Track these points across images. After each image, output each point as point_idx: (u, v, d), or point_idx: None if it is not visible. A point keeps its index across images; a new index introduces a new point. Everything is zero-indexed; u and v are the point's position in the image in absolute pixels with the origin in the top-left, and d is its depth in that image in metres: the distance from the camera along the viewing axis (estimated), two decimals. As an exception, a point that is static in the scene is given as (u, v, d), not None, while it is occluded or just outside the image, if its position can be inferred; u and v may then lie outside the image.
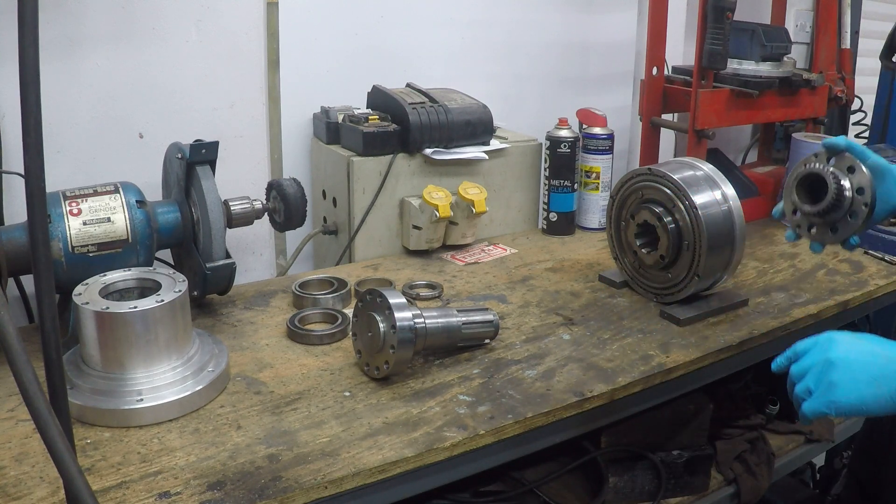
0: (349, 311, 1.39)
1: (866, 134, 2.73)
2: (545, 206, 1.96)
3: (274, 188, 1.52)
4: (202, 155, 1.38)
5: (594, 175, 1.95)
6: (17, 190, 1.52)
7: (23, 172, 0.69)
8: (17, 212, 1.53)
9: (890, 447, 1.36)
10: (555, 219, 1.95)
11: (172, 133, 1.56)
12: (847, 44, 2.43)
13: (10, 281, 1.39)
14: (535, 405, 1.16)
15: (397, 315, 1.18)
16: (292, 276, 1.70)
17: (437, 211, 1.68)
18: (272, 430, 1.08)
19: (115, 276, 1.19)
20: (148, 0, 1.62)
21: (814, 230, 1.29)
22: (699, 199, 1.43)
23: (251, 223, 1.51)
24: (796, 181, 1.30)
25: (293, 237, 1.91)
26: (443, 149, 1.78)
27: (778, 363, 1.12)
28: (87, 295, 1.11)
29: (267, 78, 1.81)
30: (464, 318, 1.29)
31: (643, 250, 1.52)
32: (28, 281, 1.51)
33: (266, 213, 1.53)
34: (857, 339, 1.03)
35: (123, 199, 1.32)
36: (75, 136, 1.60)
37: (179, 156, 1.41)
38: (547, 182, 1.93)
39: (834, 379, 0.99)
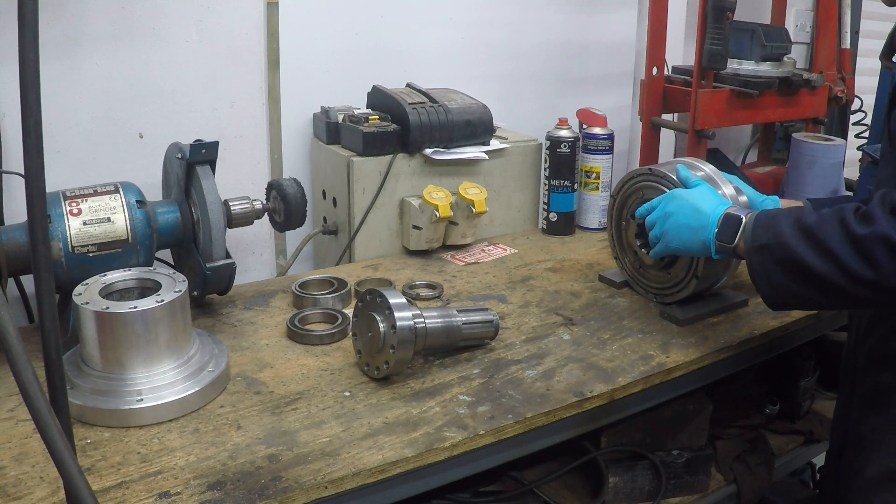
0: (349, 311, 1.39)
1: (866, 134, 2.73)
2: (545, 206, 1.96)
3: (274, 188, 1.52)
4: (202, 155, 1.38)
5: (594, 175, 1.95)
6: (17, 190, 1.52)
7: (23, 172, 0.69)
8: (17, 212, 1.53)
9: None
10: (555, 219, 1.95)
11: (172, 133, 1.56)
12: (847, 44, 2.43)
13: (10, 281, 1.39)
14: (535, 405, 1.16)
15: (397, 315, 1.18)
16: (292, 276, 1.70)
17: (437, 211, 1.68)
18: (272, 430, 1.08)
19: (115, 276, 1.19)
20: (148, 0, 1.62)
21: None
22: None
23: (251, 223, 1.51)
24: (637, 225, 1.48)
25: (293, 237, 1.91)
26: (443, 149, 1.78)
27: (639, 212, 1.44)
28: (87, 295, 1.11)
29: (267, 78, 1.81)
30: (464, 318, 1.29)
31: (643, 250, 1.52)
32: (28, 281, 1.51)
33: (266, 213, 1.52)
34: (687, 195, 1.31)
35: (123, 199, 1.32)
36: (75, 136, 1.60)
37: (179, 156, 1.41)
38: (547, 182, 1.93)
39: (668, 228, 1.32)
